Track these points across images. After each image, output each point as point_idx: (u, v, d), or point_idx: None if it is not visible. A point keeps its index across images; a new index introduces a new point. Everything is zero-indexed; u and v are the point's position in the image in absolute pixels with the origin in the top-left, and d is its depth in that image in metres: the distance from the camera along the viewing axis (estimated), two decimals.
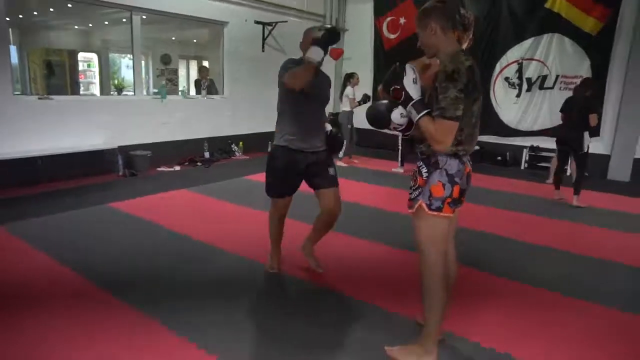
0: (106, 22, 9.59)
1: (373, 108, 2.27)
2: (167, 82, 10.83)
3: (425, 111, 2.00)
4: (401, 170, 7.33)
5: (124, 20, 9.21)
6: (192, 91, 11.87)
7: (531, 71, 7.82)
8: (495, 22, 8.04)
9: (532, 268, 3.44)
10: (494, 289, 3.05)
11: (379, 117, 2.21)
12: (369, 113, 2.29)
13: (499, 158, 8.02)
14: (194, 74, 13.15)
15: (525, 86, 7.95)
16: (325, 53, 2.55)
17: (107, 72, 10.57)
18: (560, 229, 4.53)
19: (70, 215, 4.36)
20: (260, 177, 6.11)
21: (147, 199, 5.05)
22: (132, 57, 6.84)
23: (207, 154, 7.33)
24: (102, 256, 3.39)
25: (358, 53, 9.50)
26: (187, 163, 6.97)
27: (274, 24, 8.14)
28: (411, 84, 2.07)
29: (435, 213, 2.02)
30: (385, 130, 2.40)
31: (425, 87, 2.14)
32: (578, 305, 2.86)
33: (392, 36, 9.26)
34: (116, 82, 10.74)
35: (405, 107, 2.07)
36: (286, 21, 8.40)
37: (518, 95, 8.00)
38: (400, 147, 7.52)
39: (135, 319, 2.51)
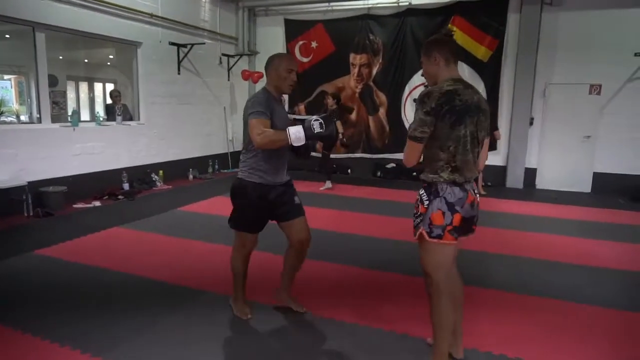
0: None
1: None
2: (54, 105, 9.69)
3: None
4: (330, 186, 7.52)
5: (7, 36, 8.12)
6: (85, 116, 10.88)
7: None
8: (402, 47, 8.74)
9: (498, 275, 3.78)
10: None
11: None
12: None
13: (414, 173, 8.64)
14: (84, 97, 11.98)
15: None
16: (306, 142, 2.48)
17: None
18: (496, 235, 5.05)
19: None
20: (194, 208, 5.98)
21: (79, 241, 4.44)
22: (17, 78, 6.00)
23: (126, 186, 6.69)
24: (54, 311, 2.90)
25: None
26: (106, 197, 6.28)
27: (189, 46, 7.82)
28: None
29: (436, 240, 2.09)
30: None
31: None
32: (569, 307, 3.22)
33: (305, 59, 9.49)
34: None
35: None
36: (204, 43, 8.14)
37: None
38: (322, 164, 7.69)
39: None
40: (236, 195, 2.78)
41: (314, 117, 2.45)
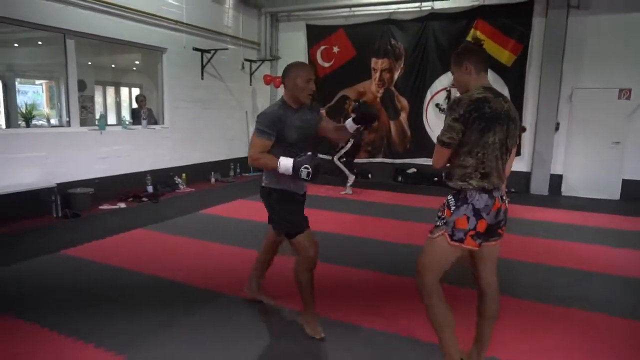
0: (15, 45, 8.61)
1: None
2: (83, 109, 9.98)
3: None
4: (350, 192, 7.50)
5: (39, 42, 8.42)
6: (111, 120, 11.17)
7: None
8: (424, 53, 8.69)
9: (521, 283, 3.71)
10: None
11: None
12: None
13: (436, 179, 8.56)
14: (110, 101, 12.30)
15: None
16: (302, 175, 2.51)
17: (13, 101, 9.41)
18: (521, 243, 4.95)
19: (21, 268, 3.78)
20: (215, 211, 6.05)
21: (105, 242, 4.55)
22: (46, 83, 6.18)
23: (150, 188, 6.83)
24: (80, 308, 2.98)
25: None
26: (131, 199, 6.42)
27: (213, 52, 7.95)
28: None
29: (457, 244, 2.11)
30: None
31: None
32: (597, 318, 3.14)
33: (327, 64, 9.53)
34: (24, 110, 9.61)
35: None
36: (227, 48, 8.26)
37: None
38: (340, 165, 7.63)
39: None
40: (276, 202, 2.72)
41: (306, 162, 2.47)
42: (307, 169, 2.45)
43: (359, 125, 2.73)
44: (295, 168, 2.46)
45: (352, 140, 7.43)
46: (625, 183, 7.61)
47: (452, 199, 2.15)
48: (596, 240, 5.04)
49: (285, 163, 2.49)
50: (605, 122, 7.60)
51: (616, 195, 7.66)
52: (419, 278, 2.20)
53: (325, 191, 7.59)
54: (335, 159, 7.66)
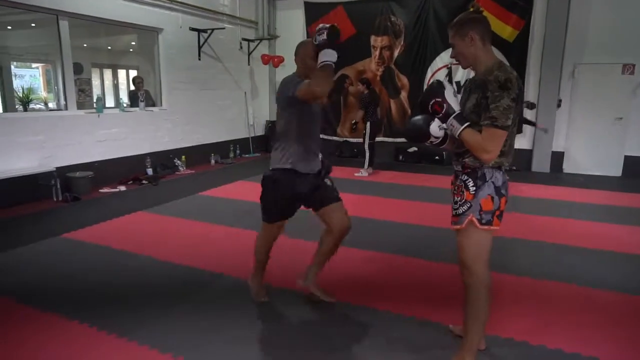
0: (9, 27, 8.47)
1: (411, 123, 2.26)
2: (80, 93, 9.89)
3: (467, 123, 2.00)
4: (366, 174, 7.43)
5: (33, 25, 8.28)
6: (110, 102, 11.07)
7: (459, 75, 8.43)
8: (423, 29, 8.54)
9: (522, 260, 3.71)
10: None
11: (417, 131, 2.16)
12: (408, 129, 2.28)
13: (437, 157, 8.52)
14: (108, 84, 12.18)
15: (454, 89, 8.50)
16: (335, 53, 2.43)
17: (10, 85, 9.31)
18: (522, 221, 4.94)
19: (23, 252, 3.79)
20: (216, 192, 6.04)
21: (106, 225, 4.56)
22: (40, 65, 6.10)
23: (150, 171, 6.81)
24: (83, 292, 3.00)
25: (292, 59, 9.41)
26: (131, 182, 6.41)
27: (210, 31, 7.82)
28: (452, 98, 2.11)
29: (487, 227, 2.02)
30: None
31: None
32: (606, 297, 3.14)
33: None
34: (21, 94, 9.53)
35: (444, 120, 2.06)
36: (223, 28, 8.13)
37: None
38: (367, 150, 7.50)
39: (135, 351, 2.27)
40: (267, 184, 2.73)
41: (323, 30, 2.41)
42: (320, 34, 2.40)
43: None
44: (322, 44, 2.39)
45: (369, 121, 7.35)
46: (628, 159, 7.56)
47: (470, 180, 2.04)
48: (598, 218, 5.03)
49: (324, 54, 2.38)
50: (608, 98, 7.51)
51: (618, 172, 7.62)
52: (467, 274, 2.09)
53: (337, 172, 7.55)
54: (366, 144, 7.46)
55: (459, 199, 2.08)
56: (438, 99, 2.06)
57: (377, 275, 3.41)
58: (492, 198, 2.02)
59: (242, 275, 3.26)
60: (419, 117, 2.17)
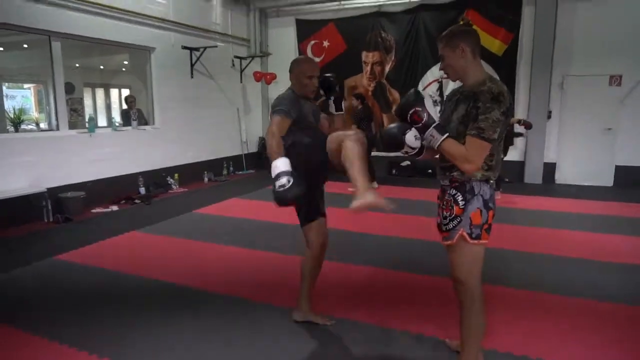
0: (1, 48, 8.47)
1: (386, 131, 2.23)
2: (72, 112, 9.87)
3: (447, 134, 1.98)
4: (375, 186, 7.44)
5: (25, 45, 8.29)
6: (102, 122, 11.05)
7: (450, 89, 8.50)
8: (414, 44, 8.66)
9: (516, 273, 3.70)
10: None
11: (392, 139, 2.12)
12: (382, 135, 2.26)
13: (430, 171, 8.54)
14: (100, 103, 12.17)
15: (437, 99, 8.62)
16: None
17: (1, 106, 9.27)
18: (516, 233, 4.94)
19: (14, 276, 3.72)
20: (209, 210, 6.00)
21: (98, 246, 4.50)
22: (34, 86, 6.09)
23: (142, 190, 6.76)
24: (77, 315, 2.94)
25: (284, 76, 9.47)
26: (123, 202, 6.36)
27: (202, 49, 7.86)
28: (432, 108, 2.12)
29: (477, 242, 2.01)
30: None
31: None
32: (590, 306, 3.13)
33: (318, 59, 9.45)
34: (12, 115, 9.48)
35: (423, 131, 2.02)
36: (216, 46, 8.18)
37: (440, 111, 8.64)
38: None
39: None
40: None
41: (292, 181, 2.19)
42: (287, 182, 2.17)
43: (330, 97, 2.73)
44: (277, 175, 2.22)
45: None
46: (618, 169, 7.63)
47: (459, 194, 2.03)
48: (591, 228, 5.05)
49: (281, 162, 2.26)
50: (597, 109, 7.61)
51: (609, 182, 7.68)
52: (462, 290, 2.07)
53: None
54: None
55: (448, 213, 2.06)
56: (418, 109, 2.03)
57: (371, 290, 3.39)
58: (481, 211, 2.01)
59: (235, 293, 3.23)
60: (394, 125, 2.14)
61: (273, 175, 2.24)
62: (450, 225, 2.05)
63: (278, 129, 2.45)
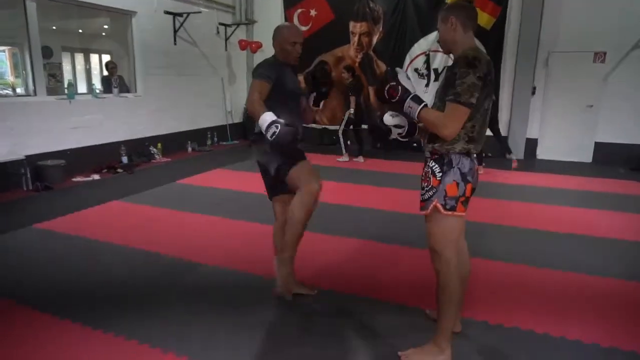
0: None
1: (373, 127, 2.30)
2: (50, 78, 9.56)
3: (424, 103, 2.02)
4: (347, 159, 7.57)
5: None
6: (82, 88, 10.73)
7: (437, 62, 8.48)
8: (402, 16, 8.53)
9: (496, 245, 3.79)
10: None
11: (379, 129, 2.22)
12: (371, 130, 2.33)
13: (415, 145, 8.56)
14: (80, 69, 11.79)
15: (432, 76, 8.59)
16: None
17: None
18: (496, 206, 5.04)
19: None
20: (192, 181, 5.96)
21: (79, 215, 4.46)
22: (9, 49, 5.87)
23: (124, 159, 6.66)
24: (54, 284, 2.94)
25: (269, 45, 9.26)
26: (105, 170, 6.26)
27: (185, 15, 7.63)
28: (406, 80, 2.10)
29: (450, 213, 2.04)
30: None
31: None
32: (582, 280, 3.24)
33: (304, 28, 9.25)
34: None
35: (402, 105, 2.05)
36: (200, 12, 7.94)
37: (427, 85, 8.61)
38: (341, 137, 7.75)
39: (114, 342, 2.25)
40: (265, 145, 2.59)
41: (282, 124, 2.28)
42: (277, 128, 2.25)
43: (313, 92, 2.71)
44: (268, 125, 2.29)
45: (351, 110, 7.42)
46: (598, 146, 7.78)
47: (436, 165, 2.06)
48: (571, 203, 5.18)
49: (266, 116, 2.32)
50: (580, 86, 7.68)
51: (589, 158, 7.84)
52: (437, 259, 2.11)
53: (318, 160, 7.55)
54: (340, 132, 7.76)
55: (426, 184, 2.11)
56: (392, 83, 2.05)
57: (354, 262, 3.44)
58: (458, 184, 2.04)
59: (219, 263, 3.25)
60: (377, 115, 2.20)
61: (264, 129, 2.31)
62: (426, 196, 2.10)
63: (258, 93, 2.47)
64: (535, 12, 7.66)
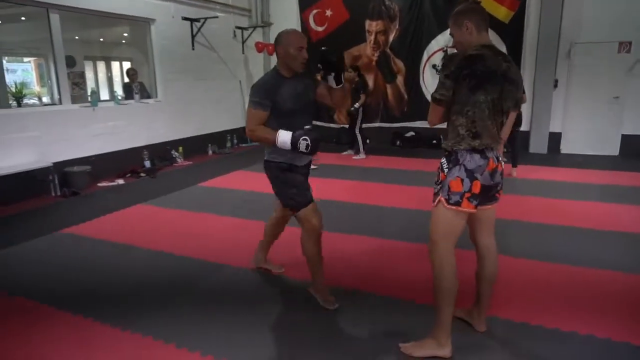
0: None
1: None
2: (74, 86, 9.82)
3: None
4: (364, 157, 7.67)
5: (23, 18, 8.18)
6: (104, 95, 10.99)
7: None
8: (418, 12, 8.46)
9: (520, 242, 3.73)
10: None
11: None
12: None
13: (434, 141, 8.50)
14: (102, 77, 12.08)
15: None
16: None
17: (2, 80, 9.21)
18: (511, 201, 4.96)
19: (24, 249, 3.80)
20: (214, 183, 6.04)
21: (105, 219, 4.57)
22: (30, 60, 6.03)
23: (147, 163, 6.79)
24: (84, 287, 3.02)
25: None
26: (129, 175, 6.40)
27: (202, 20, 7.73)
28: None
29: (454, 207, 2.07)
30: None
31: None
32: (596, 275, 3.17)
33: (320, 28, 9.30)
34: (14, 90, 9.44)
35: None
36: (216, 16, 8.03)
37: None
38: (359, 135, 7.81)
39: (142, 343, 2.30)
40: (276, 175, 2.69)
41: (305, 134, 2.41)
42: (306, 140, 2.39)
43: (329, 74, 2.66)
44: (294, 142, 2.40)
45: (357, 105, 7.59)
46: (625, 138, 7.57)
47: (445, 161, 2.14)
48: (596, 198, 5.06)
49: (284, 137, 2.43)
50: (605, 77, 7.47)
51: (615, 151, 7.63)
52: (432, 249, 2.16)
53: (328, 159, 7.58)
54: (357, 130, 7.80)
55: (437, 179, 2.19)
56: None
57: (371, 260, 3.44)
58: (462, 180, 2.07)
59: (243, 265, 3.29)
60: None
61: (288, 146, 2.44)
62: (436, 189, 2.18)
63: (255, 124, 2.52)
64: (556, 3, 7.49)
